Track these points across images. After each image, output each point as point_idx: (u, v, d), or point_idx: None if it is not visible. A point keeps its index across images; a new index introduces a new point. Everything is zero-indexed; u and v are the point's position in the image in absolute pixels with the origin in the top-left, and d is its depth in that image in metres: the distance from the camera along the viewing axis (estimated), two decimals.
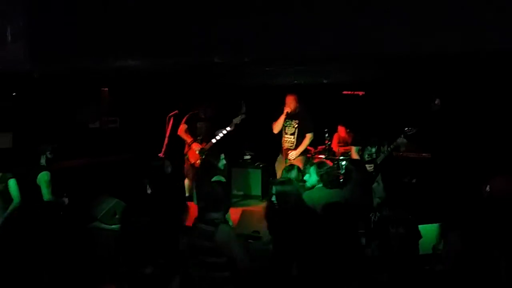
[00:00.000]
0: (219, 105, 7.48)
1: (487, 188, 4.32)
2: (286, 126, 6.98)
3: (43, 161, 5.78)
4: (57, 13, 4.92)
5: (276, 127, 6.91)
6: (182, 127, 7.10)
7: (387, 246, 3.87)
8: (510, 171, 5.39)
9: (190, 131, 7.08)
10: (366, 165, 5.61)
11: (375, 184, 5.03)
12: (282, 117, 6.86)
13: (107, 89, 8.13)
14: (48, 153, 5.79)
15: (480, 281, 3.59)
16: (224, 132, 7.01)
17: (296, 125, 6.91)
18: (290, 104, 6.85)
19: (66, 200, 5.83)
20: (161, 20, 4.45)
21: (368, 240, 4.00)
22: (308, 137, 6.89)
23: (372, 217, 4.01)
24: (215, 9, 4.23)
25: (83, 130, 7.85)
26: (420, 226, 4.89)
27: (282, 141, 7.07)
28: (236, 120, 7.16)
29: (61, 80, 7.00)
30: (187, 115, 7.18)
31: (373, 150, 5.80)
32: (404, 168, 7.39)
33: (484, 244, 3.64)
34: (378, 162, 5.76)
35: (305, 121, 6.92)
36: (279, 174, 6.87)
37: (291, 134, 6.95)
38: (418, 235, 4.01)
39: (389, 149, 5.91)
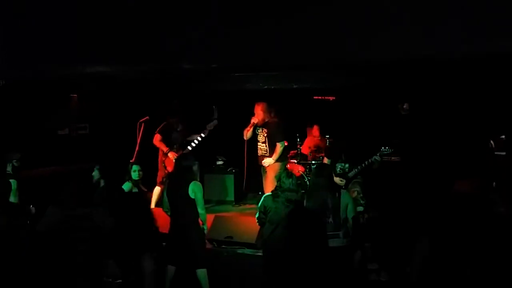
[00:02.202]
0: (191, 115, 7.48)
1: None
2: (258, 134, 6.98)
3: (9, 169, 5.66)
4: (26, 21, 4.85)
5: (246, 135, 6.91)
6: (157, 136, 7.07)
7: (381, 247, 3.94)
8: (475, 174, 5.55)
9: (165, 140, 7.05)
10: (337, 178, 5.70)
11: (355, 194, 5.10)
12: (250, 127, 6.87)
13: (76, 95, 8.02)
14: (14, 161, 5.67)
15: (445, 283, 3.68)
16: (199, 138, 7.06)
17: (266, 134, 6.91)
18: (257, 115, 6.84)
19: (33, 209, 5.70)
20: (130, 27, 4.44)
21: (355, 243, 4.05)
22: (278, 146, 6.82)
23: (361, 219, 4.06)
24: (184, 17, 4.24)
25: (51, 137, 7.70)
26: None
27: (257, 148, 7.05)
28: (210, 126, 7.20)
29: (29, 87, 6.88)
30: (161, 125, 7.14)
31: (346, 165, 5.90)
32: (374, 172, 7.50)
33: (451, 248, 3.73)
34: (350, 176, 5.85)
35: (274, 130, 6.85)
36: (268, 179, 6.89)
37: (263, 142, 6.95)
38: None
39: (363, 165, 6.04)
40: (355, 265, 4.09)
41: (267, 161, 6.85)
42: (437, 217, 3.99)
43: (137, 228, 5.19)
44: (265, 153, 6.94)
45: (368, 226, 4.07)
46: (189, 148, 7.04)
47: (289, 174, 4.96)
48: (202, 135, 7.09)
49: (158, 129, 7.11)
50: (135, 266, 5.18)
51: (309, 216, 3.61)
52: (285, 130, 7.05)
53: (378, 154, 6.09)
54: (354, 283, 4.06)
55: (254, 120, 6.82)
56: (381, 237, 4.06)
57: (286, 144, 7.07)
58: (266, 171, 6.96)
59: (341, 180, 5.67)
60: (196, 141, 7.07)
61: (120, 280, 5.30)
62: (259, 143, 7.02)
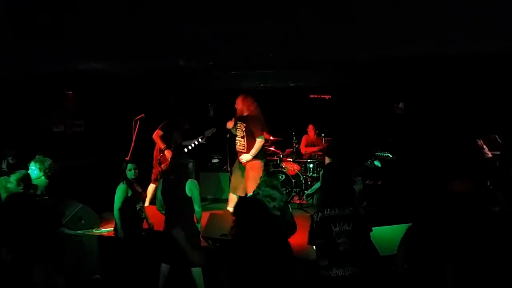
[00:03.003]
0: (189, 111, 7.51)
1: None
2: (236, 128, 6.87)
3: (4, 166, 5.64)
4: (18, 17, 4.82)
5: (228, 125, 6.85)
6: (158, 132, 7.07)
7: (332, 244, 3.94)
8: (469, 173, 5.57)
9: (165, 137, 7.05)
10: None
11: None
12: (233, 119, 6.83)
13: (71, 92, 8.00)
14: (10, 158, 5.64)
15: (427, 282, 3.69)
16: (196, 143, 7.06)
17: (244, 128, 6.79)
18: (236, 105, 6.76)
19: None
20: (126, 23, 4.42)
21: (311, 239, 4.08)
22: (258, 141, 6.67)
23: (315, 218, 4.08)
24: (181, 13, 4.23)
25: (46, 134, 7.68)
26: (388, 227, 5.00)
27: (235, 143, 6.95)
28: (208, 133, 7.21)
29: (24, 84, 6.86)
30: (165, 122, 7.13)
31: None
32: (368, 170, 7.52)
33: (439, 243, 3.74)
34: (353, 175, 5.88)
35: (253, 125, 6.70)
36: (234, 175, 6.87)
37: (241, 137, 6.83)
38: (367, 230, 4.10)
39: (365, 165, 6.08)
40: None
41: (244, 157, 6.69)
42: (429, 214, 4.00)
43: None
44: (242, 149, 6.80)
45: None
46: (186, 150, 7.07)
47: (269, 182, 4.88)
48: (200, 140, 7.09)
49: (161, 125, 7.10)
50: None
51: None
52: (264, 124, 6.89)
53: (374, 160, 6.10)
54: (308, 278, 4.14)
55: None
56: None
57: (266, 137, 6.99)
58: (241, 169, 6.85)
59: None
60: (193, 145, 7.11)
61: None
62: (236, 138, 6.89)
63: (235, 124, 6.86)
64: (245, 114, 6.76)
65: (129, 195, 5.39)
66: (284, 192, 7.27)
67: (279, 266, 3.41)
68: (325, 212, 4.03)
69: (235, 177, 6.97)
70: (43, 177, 5.35)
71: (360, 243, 4.01)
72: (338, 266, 3.90)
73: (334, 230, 3.96)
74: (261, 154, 6.82)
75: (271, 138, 8.44)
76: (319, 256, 4.01)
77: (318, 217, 4.05)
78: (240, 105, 6.75)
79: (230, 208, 6.90)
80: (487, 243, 3.97)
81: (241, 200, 3.80)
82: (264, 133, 6.95)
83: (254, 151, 6.66)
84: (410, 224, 4.03)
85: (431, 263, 3.69)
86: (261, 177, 4.93)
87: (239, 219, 3.50)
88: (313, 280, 4.04)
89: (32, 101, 7.26)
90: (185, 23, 4.11)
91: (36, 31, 4.74)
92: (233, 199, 6.92)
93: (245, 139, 6.77)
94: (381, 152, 6.49)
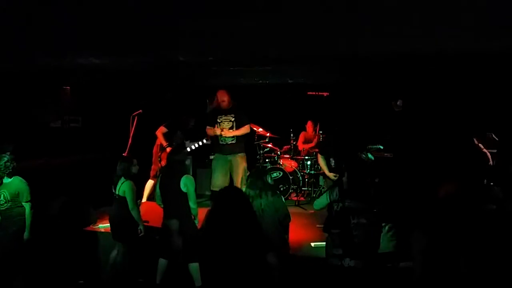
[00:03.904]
0: (186, 107, 7.47)
1: None
2: (221, 121, 6.87)
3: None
4: (18, 12, 4.79)
5: (216, 131, 6.85)
6: (162, 129, 6.98)
7: (348, 235, 3.97)
8: (466, 171, 5.56)
9: (167, 135, 6.99)
10: (331, 174, 5.75)
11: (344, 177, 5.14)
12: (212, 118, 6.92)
13: (69, 87, 7.96)
14: (8, 153, 5.60)
15: (444, 277, 3.71)
16: (200, 143, 7.06)
17: (233, 119, 6.85)
18: (224, 100, 6.80)
19: None
20: (125, 18, 4.39)
21: (328, 227, 4.11)
22: (246, 126, 6.87)
23: (335, 207, 4.10)
24: (180, 8, 4.21)
25: (43, 129, 7.65)
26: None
27: (219, 138, 6.90)
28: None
29: (21, 78, 6.82)
30: (171, 120, 7.08)
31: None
32: (366, 168, 7.52)
33: (446, 241, 3.76)
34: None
35: (240, 114, 6.87)
36: (218, 170, 6.87)
37: (230, 128, 6.86)
38: (380, 228, 4.15)
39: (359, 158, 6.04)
40: (326, 248, 4.20)
41: (227, 133, 6.77)
42: (427, 211, 4.03)
43: None
44: (232, 140, 6.85)
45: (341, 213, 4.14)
46: (188, 149, 7.03)
47: (255, 175, 4.94)
48: (204, 141, 7.10)
49: (166, 123, 7.02)
50: None
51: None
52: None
53: (367, 152, 6.08)
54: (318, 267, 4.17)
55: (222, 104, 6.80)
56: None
57: (263, 133, 7.25)
58: (226, 165, 6.89)
59: (334, 176, 5.69)
60: (197, 145, 7.07)
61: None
62: (224, 130, 6.89)
63: (220, 118, 6.86)
64: (230, 106, 6.85)
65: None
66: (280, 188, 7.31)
67: (252, 260, 3.34)
68: (346, 203, 4.06)
69: (220, 174, 6.92)
70: None
71: (373, 237, 4.05)
72: (351, 257, 3.96)
73: (352, 221, 4.02)
74: (244, 144, 6.99)
75: (268, 134, 8.44)
76: (333, 244, 4.04)
77: (339, 207, 4.09)
78: (227, 97, 6.81)
79: None
80: (482, 242, 3.97)
81: (226, 189, 3.78)
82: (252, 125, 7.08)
83: (240, 132, 6.80)
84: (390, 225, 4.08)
85: (439, 263, 3.71)
86: (247, 178, 5.00)
87: (218, 206, 3.46)
88: (323, 269, 4.08)
89: (29, 95, 7.22)
90: (185, 18, 4.10)
91: (34, 25, 4.71)
92: None
93: (234, 129, 6.85)
94: (372, 145, 6.48)
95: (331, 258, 4.07)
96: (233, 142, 6.86)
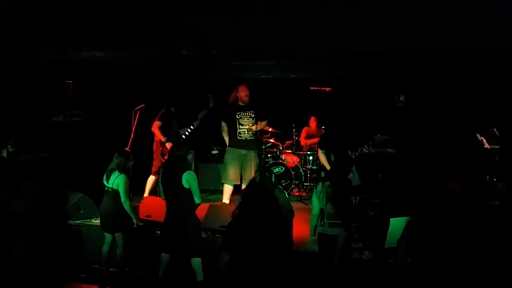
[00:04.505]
0: (187, 103, 7.46)
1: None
2: (241, 118, 6.84)
3: (4, 154, 5.61)
4: (19, 6, 4.77)
5: (260, 125, 6.91)
6: (157, 123, 6.91)
7: (366, 227, 4.02)
8: (463, 169, 5.56)
9: (163, 128, 6.93)
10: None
11: (350, 174, 5.14)
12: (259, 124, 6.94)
13: (71, 82, 7.95)
14: (9, 146, 5.61)
15: (436, 272, 3.71)
16: (192, 127, 7.05)
17: (253, 115, 6.84)
18: (244, 93, 6.79)
19: None
20: (129, 12, 4.37)
21: (348, 221, 4.11)
22: (265, 122, 6.99)
23: (353, 200, 4.11)
24: (184, 2, 4.19)
25: (46, 123, 7.64)
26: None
27: (237, 133, 6.86)
28: (201, 115, 7.21)
29: (24, 72, 6.82)
30: (161, 113, 7.01)
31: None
32: (369, 163, 7.52)
33: (440, 237, 3.76)
34: None
35: (261, 109, 6.93)
36: (232, 164, 6.86)
37: (252, 125, 6.85)
38: (388, 220, 4.19)
39: (356, 153, 5.99)
40: (340, 243, 4.20)
41: (254, 127, 6.80)
42: (429, 209, 4.02)
43: None
44: (251, 137, 6.86)
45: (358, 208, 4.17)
46: (183, 137, 7.06)
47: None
48: (194, 124, 7.10)
49: (158, 116, 6.97)
50: None
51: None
52: None
53: (370, 143, 6.02)
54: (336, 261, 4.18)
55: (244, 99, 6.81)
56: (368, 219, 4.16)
57: (266, 128, 7.31)
58: (241, 159, 6.88)
59: None
60: (189, 130, 7.08)
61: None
62: (243, 127, 6.86)
63: (239, 114, 6.83)
64: (248, 103, 6.83)
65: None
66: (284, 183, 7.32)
67: (277, 255, 3.40)
68: (363, 196, 4.09)
69: (234, 168, 6.91)
70: None
71: (384, 230, 4.08)
72: (370, 250, 3.99)
73: (370, 213, 4.04)
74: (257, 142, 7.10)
75: (271, 130, 8.43)
76: (352, 238, 4.06)
77: (357, 200, 4.10)
78: (247, 93, 6.77)
79: (226, 200, 6.90)
80: (486, 238, 3.97)
81: (254, 184, 3.81)
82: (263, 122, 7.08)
83: (260, 126, 6.90)
84: (409, 217, 4.09)
85: (437, 258, 3.71)
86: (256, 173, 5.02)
87: (248, 201, 3.50)
88: (343, 264, 4.08)
89: (31, 90, 7.22)
90: (189, 12, 4.08)
91: (36, 19, 4.70)
92: (228, 190, 6.92)
93: (255, 125, 6.85)
94: (378, 135, 6.40)
95: (350, 252, 4.07)
96: (252, 138, 6.87)
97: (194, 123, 7.11)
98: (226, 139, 6.98)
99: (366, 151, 5.94)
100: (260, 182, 4.00)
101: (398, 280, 4.05)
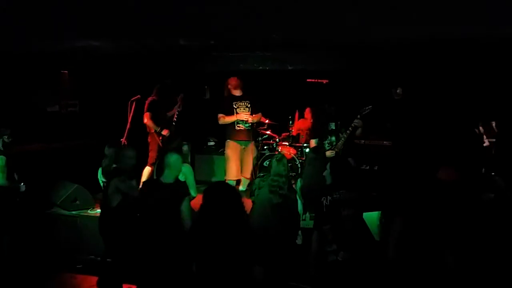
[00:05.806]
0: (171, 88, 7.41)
1: None
2: (238, 107, 6.77)
3: None
4: None
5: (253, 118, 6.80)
6: (148, 114, 6.82)
7: (340, 228, 3.92)
8: (457, 159, 5.56)
9: (154, 118, 6.85)
10: (328, 152, 5.68)
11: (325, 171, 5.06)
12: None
13: (67, 71, 7.88)
14: (5, 137, 5.55)
15: (428, 267, 3.69)
16: (176, 112, 7.06)
17: (249, 105, 6.79)
18: (236, 84, 6.74)
19: (23, 186, 5.62)
20: (126, 0, 4.32)
21: (319, 224, 4.04)
22: (260, 114, 6.95)
23: (324, 201, 4.02)
24: None
25: (40, 114, 7.58)
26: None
27: (235, 123, 6.76)
28: (179, 99, 7.22)
29: (19, 62, 6.75)
30: (148, 103, 6.90)
31: (333, 138, 5.83)
32: (365, 155, 7.52)
33: (433, 231, 3.74)
34: (340, 146, 5.79)
35: (256, 101, 6.85)
36: (234, 159, 6.81)
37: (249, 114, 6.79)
38: (361, 214, 4.12)
39: (347, 131, 5.92)
40: (313, 247, 4.12)
41: (250, 117, 6.73)
42: (420, 201, 3.99)
43: None
44: (248, 127, 6.82)
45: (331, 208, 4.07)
46: (173, 124, 7.04)
47: (279, 158, 4.88)
48: (178, 109, 7.11)
49: (146, 108, 6.87)
50: None
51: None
52: None
53: (358, 117, 5.95)
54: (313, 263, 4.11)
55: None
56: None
57: (262, 120, 7.23)
58: (243, 151, 6.86)
59: (331, 153, 5.65)
60: (176, 115, 7.08)
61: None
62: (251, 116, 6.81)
63: (235, 104, 6.78)
64: (242, 93, 6.81)
65: None
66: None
67: (236, 261, 3.37)
68: (334, 196, 3.98)
69: (236, 164, 6.86)
70: None
71: (361, 226, 4.00)
72: (345, 250, 3.88)
73: (343, 213, 3.92)
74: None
75: (267, 121, 8.40)
76: (325, 241, 3.95)
77: (328, 201, 3.99)
78: (237, 82, 6.76)
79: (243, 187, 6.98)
80: (479, 231, 3.96)
81: (219, 185, 3.73)
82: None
83: (257, 118, 6.86)
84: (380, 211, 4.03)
85: (429, 253, 3.69)
86: (270, 165, 4.95)
87: (210, 202, 3.45)
88: (320, 268, 4.00)
89: (26, 79, 7.15)
90: (186, 2, 4.03)
91: (31, 6, 4.63)
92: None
93: (251, 117, 6.78)
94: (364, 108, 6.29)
95: (325, 255, 3.97)
96: (249, 128, 6.84)
97: (176, 108, 7.13)
98: (227, 120, 6.86)
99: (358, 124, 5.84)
100: (224, 184, 3.90)
101: (380, 277, 4.00)
